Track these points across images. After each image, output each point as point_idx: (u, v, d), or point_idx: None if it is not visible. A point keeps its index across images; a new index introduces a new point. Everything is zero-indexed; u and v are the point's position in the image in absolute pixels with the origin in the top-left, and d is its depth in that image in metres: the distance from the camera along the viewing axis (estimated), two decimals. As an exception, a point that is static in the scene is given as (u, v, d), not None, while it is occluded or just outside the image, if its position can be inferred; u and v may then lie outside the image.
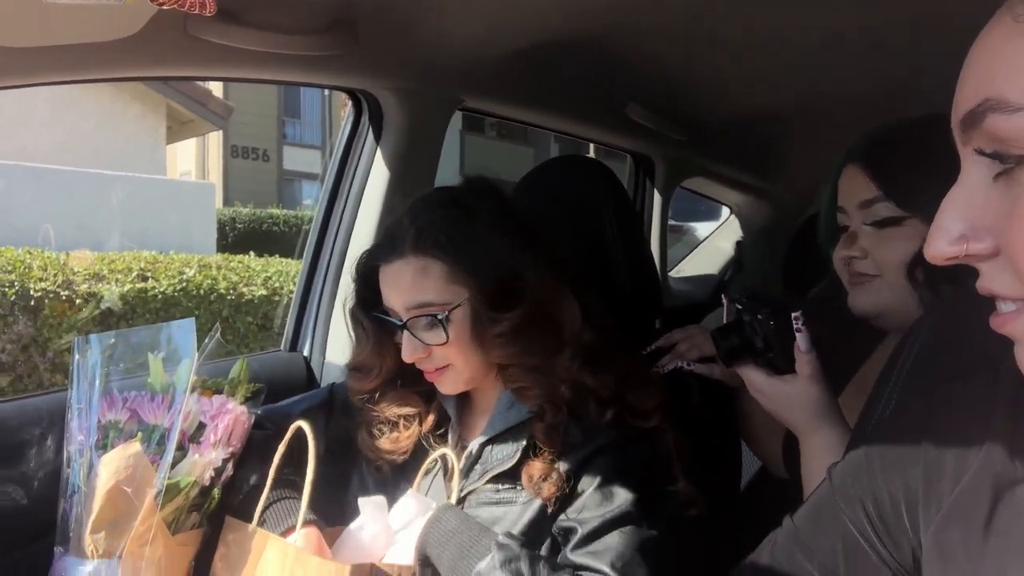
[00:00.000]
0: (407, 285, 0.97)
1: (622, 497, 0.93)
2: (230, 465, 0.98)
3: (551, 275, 0.99)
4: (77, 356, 0.95)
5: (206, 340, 0.98)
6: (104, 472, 0.89)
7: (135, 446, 0.91)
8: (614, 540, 0.91)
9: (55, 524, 0.93)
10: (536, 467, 0.95)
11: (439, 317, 0.95)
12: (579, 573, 0.89)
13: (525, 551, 0.88)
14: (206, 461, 0.95)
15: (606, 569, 0.88)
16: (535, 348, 0.97)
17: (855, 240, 1.02)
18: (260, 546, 0.91)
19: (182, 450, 0.94)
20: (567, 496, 0.95)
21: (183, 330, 0.98)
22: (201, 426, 0.96)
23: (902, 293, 0.98)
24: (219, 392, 1.01)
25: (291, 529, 0.94)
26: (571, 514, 0.94)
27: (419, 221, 0.98)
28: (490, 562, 0.86)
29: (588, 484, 0.95)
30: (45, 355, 3.74)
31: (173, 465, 0.92)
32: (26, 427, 1.01)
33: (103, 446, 0.92)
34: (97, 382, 0.94)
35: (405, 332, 0.98)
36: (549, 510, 0.95)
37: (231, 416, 0.98)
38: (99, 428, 0.93)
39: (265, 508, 0.94)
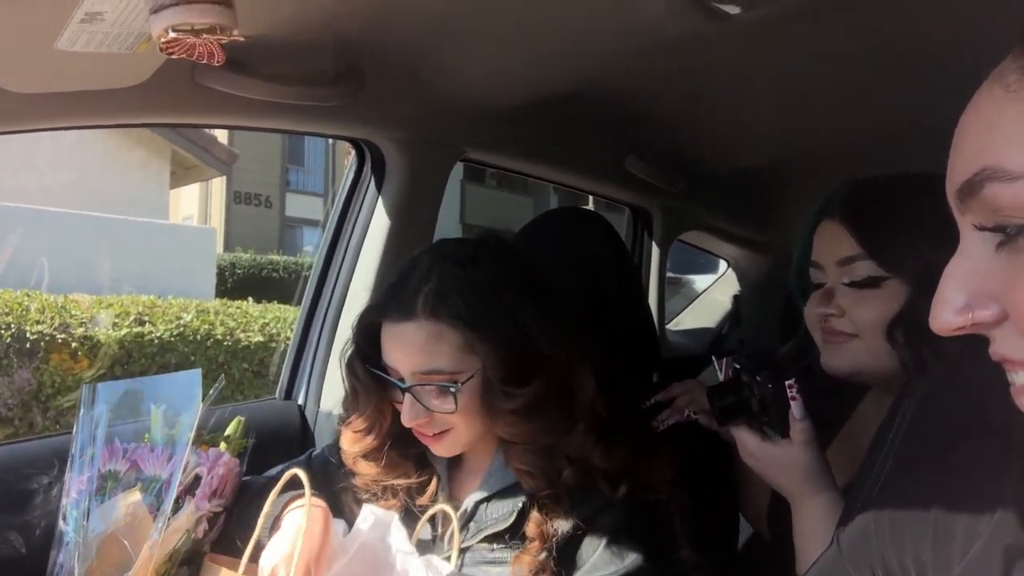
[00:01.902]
0: (417, 351, 0.91)
1: (631, 555, 0.90)
2: (222, 518, 0.97)
3: (568, 344, 0.94)
4: (83, 404, 0.95)
5: (211, 391, 0.97)
6: (102, 521, 0.89)
7: (135, 496, 0.91)
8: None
9: (44, 571, 0.91)
10: (525, 561, 0.91)
11: (451, 390, 0.91)
12: None
13: None
14: (201, 513, 0.94)
15: None
16: (546, 425, 0.92)
17: (832, 298, 1.00)
18: None
19: (177, 501, 0.93)
20: (568, 558, 0.92)
21: (188, 382, 0.98)
22: (196, 478, 0.96)
23: (878, 353, 0.96)
24: (215, 445, 1.01)
25: (297, 497, 0.93)
26: (581, 575, 0.91)
27: (434, 281, 0.92)
28: None
29: (593, 545, 0.92)
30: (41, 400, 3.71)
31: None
32: (26, 471, 1.01)
33: (101, 495, 0.91)
34: (101, 431, 0.94)
35: (407, 396, 0.93)
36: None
37: (225, 468, 0.98)
38: (98, 477, 0.92)
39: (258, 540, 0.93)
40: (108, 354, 3.89)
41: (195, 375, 0.99)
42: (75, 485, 0.93)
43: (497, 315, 0.91)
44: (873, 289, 0.96)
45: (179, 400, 0.98)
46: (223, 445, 1.02)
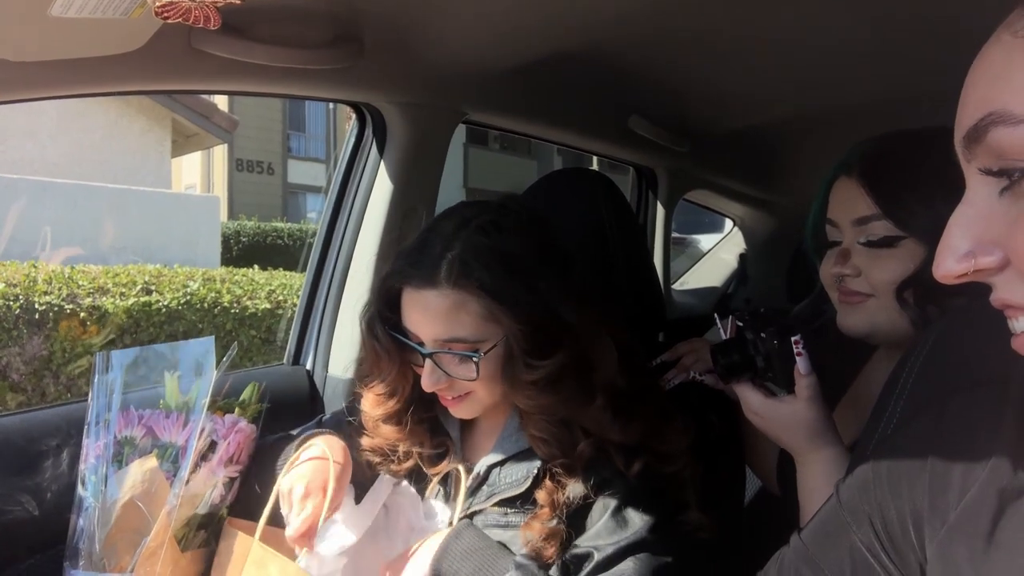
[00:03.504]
0: (440, 318, 0.90)
1: (636, 524, 0.90)
2: (237, 483, 0.99)
3: (590, 317, 0.93)
4: (97, 372, 0.96)
5: (224, 358, 0.98)
6: (119, 487, 0.90)
7: (151, 462, 0.92)
8: (628, 567, 0.88)
9: (64, 535, 0.93)
10: (535, 527, 0.91)
11: (474, 359, 0.90)
12: None
13: (544, 573, 0.87)
14: (217, 478, 0.95)
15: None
16: (566, 398, 0.91)
17: (848, 257, 1.00)
18: (246, 551, 0.92)
19: (194, 467, 0.95)
20: (578, 524, 0.92)
21: (202, 349, 0.99)
22: (212, 444, 0.97)
23: (894, 313, 0.96)
24: (230, 411, 1.02)
25: (313, 435, 0.98)
26: (585, 541, 0.91)
27: (456, 247, 0.90)
28: None
29: (601, 510, 0.92)
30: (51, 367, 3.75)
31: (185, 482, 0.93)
32: (40, 438, 1.03)
33: (118, 461, 0.93)
34: (116, 398, 0.95)
35: (428, 362, 0.93)
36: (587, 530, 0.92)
37: (242, 435, 0.99)
38: (115, 443, 0.94)
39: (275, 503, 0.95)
40: (115, 322, 3.91)
41: (208, 342, 1.00)
42: (92, 451, 0.94)
43: (521, 286, 0.90)
44: (889, 249, 0.96)
45: (193, 367, 0.99)
46: (238, 410, 1.03)
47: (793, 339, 0.93)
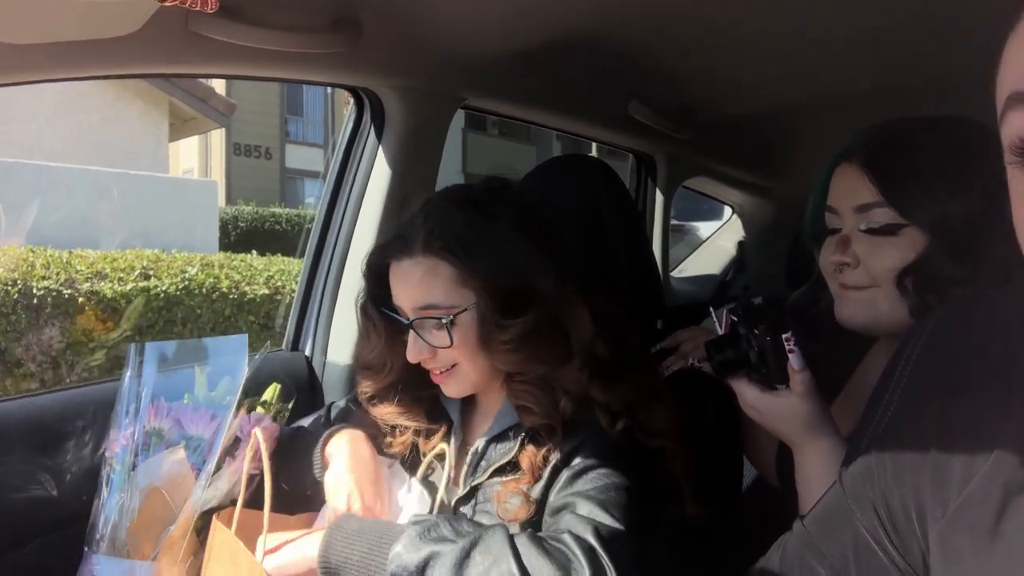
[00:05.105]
0: (415, 285, 0.96)
1: (593, 481, 0.92)
2: (257, 479, 0.99)
3: (565, 284, 0.97)
4: (130, 362, 0.97)
5: (256, 356, 1.00)
6: (147, 476, 0.91)
7: (180, 453, 0.93)
8: (592, 479, 0.90)
9: (80, 515, 0.95)
10: (510, 487, 0.95)
11: (444, 320, 0.94)
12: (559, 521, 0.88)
13: (442, 516, 0.89)
14: (239, 474, 0.96)
15: (580, 500, 0.88)
16: (542, 356, 0.95)
17: (847, 245, 0.99)
18: (223, 543, 0.92)
19: (218, 462, 0.95)
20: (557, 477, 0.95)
21: (234, 345, 1.00)
22: (236, 440, 0.98)
23: (895, 302, 0.95)
24: (253, 409, 1.03)
25: (332, 433, 1.01)
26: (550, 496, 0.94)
27: (432, 220, 0.96)
28: (407, 538, 0.83)
29: (568, 468, 0.94)
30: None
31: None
32: (61, 419, 1.04)
33: (146, 451, 0.94)
34: (148, 389, 0.96)
35: (411, 332, 0.98)
36: (551, 496, 0.94)
37: (266, 433, 1.00)
38: (143, 434, 0.95)
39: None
40: (131, 318, 3.91)
41: (241, 340, 1.01)
42: (120, 439, 0.95)
43: (490, 250, 0.95)
44: (890, 237, 0.95)
45: (224, 363, 1.01)
46: (260, 408, 1.04)
47: (784, 336, 0.93)
